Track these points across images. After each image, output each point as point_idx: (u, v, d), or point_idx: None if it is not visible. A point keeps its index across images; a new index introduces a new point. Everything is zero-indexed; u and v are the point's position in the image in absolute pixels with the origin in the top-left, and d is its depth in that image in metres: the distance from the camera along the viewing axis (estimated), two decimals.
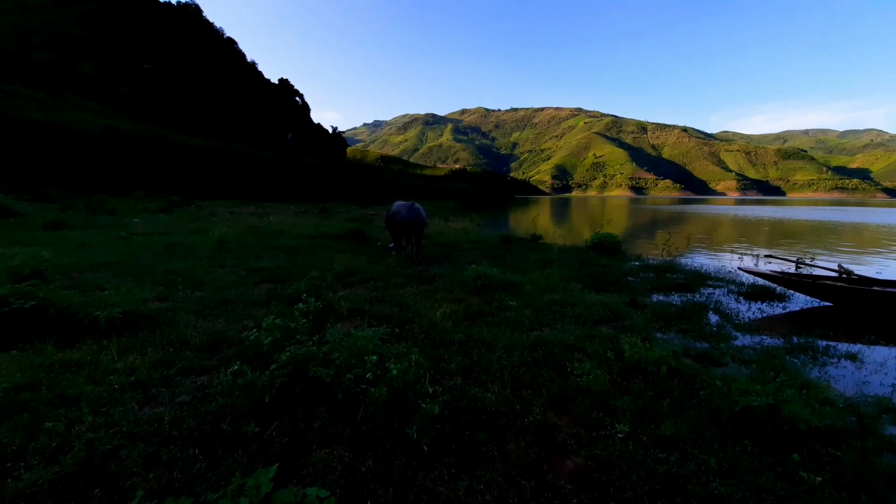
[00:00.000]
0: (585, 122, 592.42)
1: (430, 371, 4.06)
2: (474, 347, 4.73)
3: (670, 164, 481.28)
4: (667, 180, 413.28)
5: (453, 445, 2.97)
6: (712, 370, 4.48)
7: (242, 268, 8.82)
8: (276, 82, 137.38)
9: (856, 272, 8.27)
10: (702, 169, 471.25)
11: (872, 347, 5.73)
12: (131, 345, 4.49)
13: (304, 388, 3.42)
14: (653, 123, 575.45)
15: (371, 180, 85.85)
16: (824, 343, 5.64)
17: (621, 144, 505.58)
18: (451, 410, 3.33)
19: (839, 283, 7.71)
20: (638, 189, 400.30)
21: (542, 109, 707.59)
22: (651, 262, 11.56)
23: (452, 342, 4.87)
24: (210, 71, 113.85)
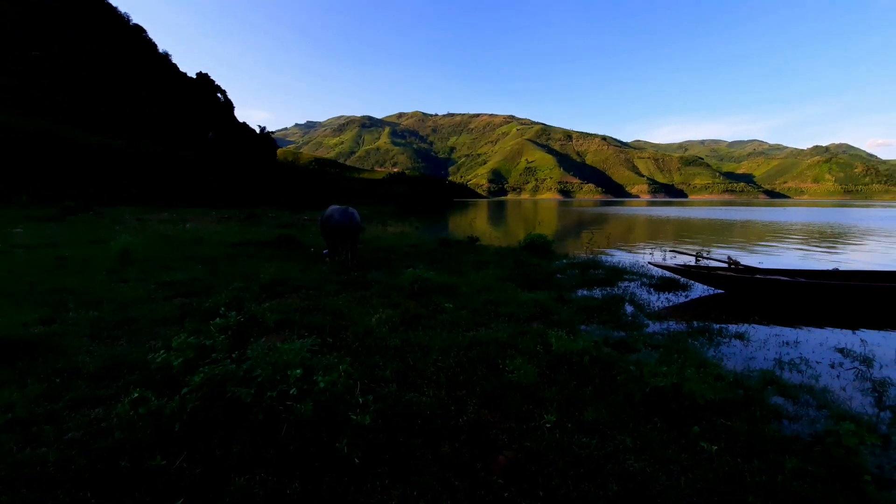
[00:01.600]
0: (518, 129, 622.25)
1: (365, 379, 3.95)
2: (410, 352, 4.70)
3: (593, 170, 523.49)
4: (590, 184, 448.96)
5: (387, 454, 2.90)
6: (628, 356, 4.91)
7: (151, 282, 7.90)
8: (194, 77, 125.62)
9: (742, 262, 9.62)
10: (619, 174, 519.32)
11: (756, 327, 6.68)
12: (7, 377, 3.80)
13: (222, 412, 3.12)
14: (577, 132, 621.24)
15: (304, 183, 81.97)
16: (718, 326, 6.46)
17: (550, 151, 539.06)
18: (385, 419, 3.26)
19: (728, 273, 8.90)
20: (566, 192, 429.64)
21: (478, 115, 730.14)
22: (577, 259, 12.42)
23: (388, 348, 4.79)
24: (113, 61, 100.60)
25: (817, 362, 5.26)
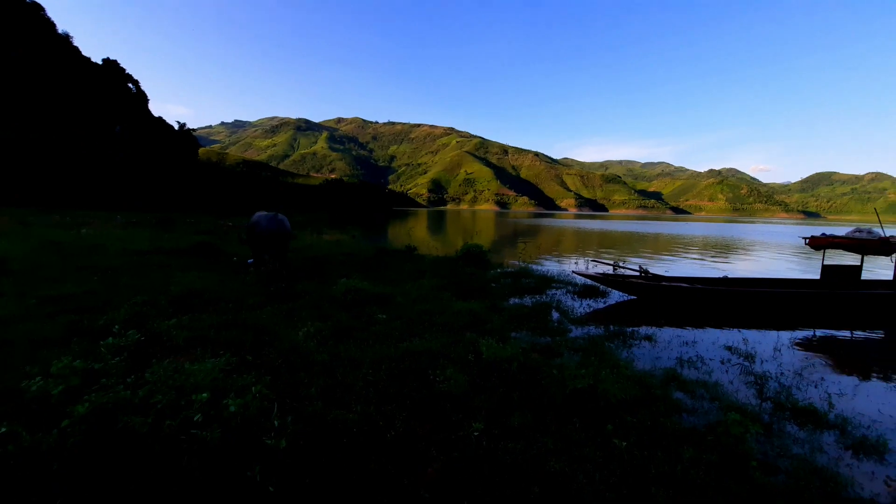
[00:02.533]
0: (457, 141, 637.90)
1: (287, 399, 3.70)
2: (339, 367, 4.51)
3: (527, 184, 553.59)
4: (525, 197, 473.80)
5: (307, 479, 2.73)
6: (553, 361, 5.17)
7: (32, 296, 6.74)
8: (100, 63, 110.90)
9: (651, 271, 10.71)
10: (550, 188, 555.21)
11: (662, 329, 7.44)
12: None
13: (113, 446, 2.72)
14: (512, 147, 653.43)
15: (230, 187, 75.97)
16: (631, 329, 7.10)
17: (488, 164, 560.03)
18: (308, 440, 3.07)
19: (640, 281, 9.86)
20: (502, 204, 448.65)
21: (419, 126, 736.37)
22: (510, 269, 12.94)
23: (315, 364, 4.55)
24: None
25: (711, 359, 5.99)
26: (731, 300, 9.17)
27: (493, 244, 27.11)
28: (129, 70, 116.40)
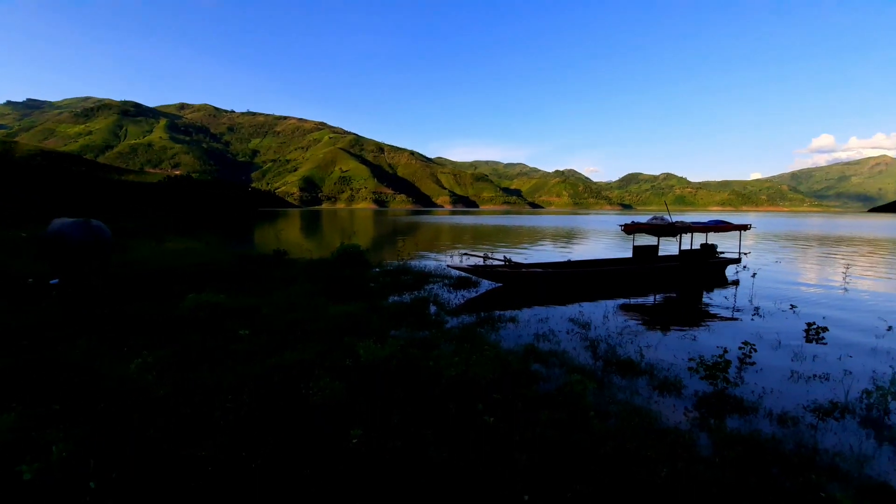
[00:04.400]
0: (330, 137, 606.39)
1: (114, 449, 2.99)
2: (188, 399, 3.86)
3: (404, 182, 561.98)
4: (402, 195, 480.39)
5: None
6: (432, 353, 5.38)
7: None
8: None
9: (513, 260, 12.03)
10: (426, 186, 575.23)
11: (523, 311, 8.43)
12: None
13: None
14: (388, 145, 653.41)
15: (24, 186, 57.69)
16: (499, 313, 7.87)
17: (364, 161, 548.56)
18: (145, 493, 2.54)
19: (505, 269, 10.98)
20: (381, 202, 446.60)
21: (286, 118, 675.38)
22: (389, 267, 12.98)
23: (155, 400, 3.80)
24: None
25: (559, 332, 7.04)
26: (573, 280, 10.94)
27: (373, 243, 26.79)
28: None
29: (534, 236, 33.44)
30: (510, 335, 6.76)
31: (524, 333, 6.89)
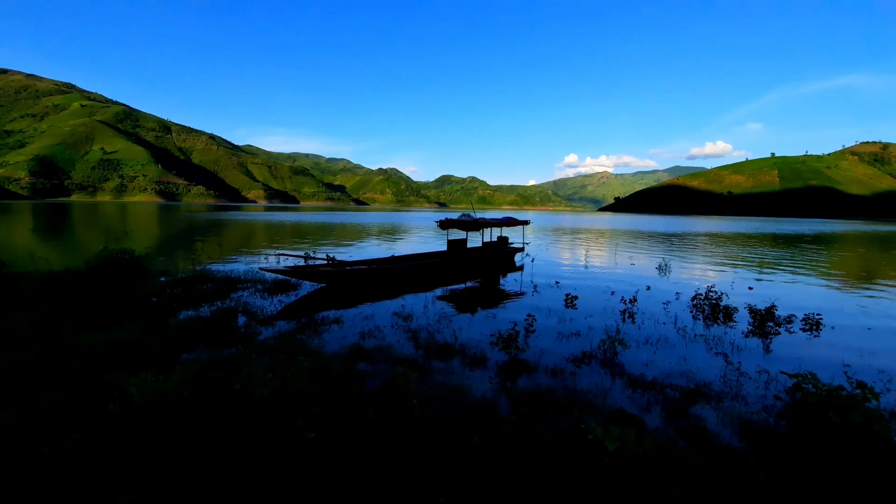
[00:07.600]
0: (83, 105, 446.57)
1: None
2: None
3: (202, 171, 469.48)
4: (200, 186, 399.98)
5: None
6: (241, 372, 4.63)
7: None
8: None
9: (338, 258, 11.60)
10: (233, 178, 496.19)
11: (348, 310, 8.22)
12: None
13: None
14: (178, 125, 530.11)
15: None
16: (322, 316, 7.43)
17: (140, 141, 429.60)
18: None
19: (328, 269, 10.49)
20: (169, 195, 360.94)
21: (6, 72, 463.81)
22: (181, 275, 10.58)
23: None
24: None
25: (384, 327, 7.16)
26: (397, 274, 11.37)
27: (157, 247, 21.32)
28: None
29: (360, 233, 33.28)
30: (335, 337, 6.47)
31: (349, 333, 6.72)
